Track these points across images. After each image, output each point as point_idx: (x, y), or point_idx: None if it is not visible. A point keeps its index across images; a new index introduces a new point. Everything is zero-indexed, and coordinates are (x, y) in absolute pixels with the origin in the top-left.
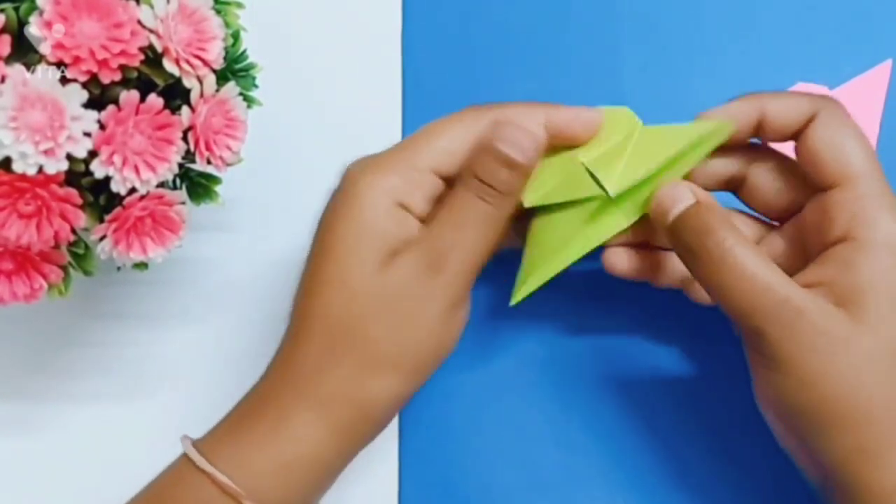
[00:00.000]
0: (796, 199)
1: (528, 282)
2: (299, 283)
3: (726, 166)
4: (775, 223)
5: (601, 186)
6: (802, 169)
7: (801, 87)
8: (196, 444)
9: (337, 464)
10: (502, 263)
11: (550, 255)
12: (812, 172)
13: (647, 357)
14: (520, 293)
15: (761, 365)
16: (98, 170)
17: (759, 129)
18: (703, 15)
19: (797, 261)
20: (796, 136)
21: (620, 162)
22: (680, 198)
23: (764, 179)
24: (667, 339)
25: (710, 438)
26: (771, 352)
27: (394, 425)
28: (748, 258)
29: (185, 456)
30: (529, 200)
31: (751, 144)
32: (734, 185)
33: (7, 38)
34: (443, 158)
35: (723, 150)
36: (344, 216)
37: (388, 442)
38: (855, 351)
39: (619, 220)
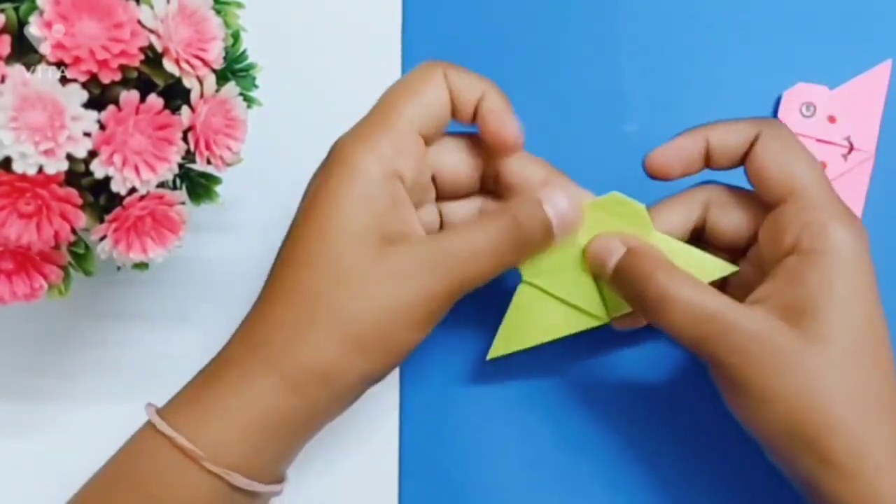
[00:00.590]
0: (757, 227)
1: (505, 345)
2: (279, 253)
3: (685, 223)
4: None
5: (603, 296)
6: (755, 190)
7: (801, 87)
8: (159, 410)
9: (301, 430)
10: None
11: (530, 328)
12: (761, 191)
13: (647, 359)
14: (495, 351)
15: (725, 389)
16: (98, 170)
17: (707, 159)
18: (704, 15)
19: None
20: (744, 160)
21: None
22: (612, 250)
23: (721, 219)
24: (666, 341)
25: (709, 440)
26: (730, 376)
27: (394, 425)
28: (689, 292)
29: (148, 423)
30: (528, 274)
31: (702, 187)
32: (696, 235)
33: (7, 38)
34: (423, 118)
35: (677, 203)
36: (335, 188)
37: (388, 441)
38: (809, 366)
39: (602, 315)
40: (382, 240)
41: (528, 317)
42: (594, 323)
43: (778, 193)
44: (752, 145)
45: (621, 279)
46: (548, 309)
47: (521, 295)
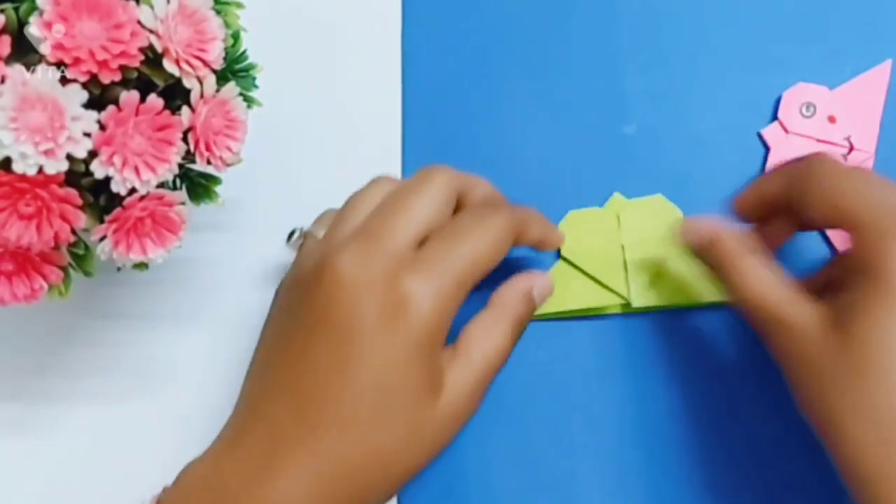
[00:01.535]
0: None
1: None
2: (276, 340)
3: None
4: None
5: (628, 284)
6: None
7: (801, 87)
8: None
9: None
10: (509, 269)
11: (556, 293)
12: (826, 224)
13: (646, 357)
14: None
15: (790, 370)
16: (98, 170)
17: (768, 210)
18: (703, 15)
19: None
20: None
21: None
22: (705, 229)
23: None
24: (666, 340)
25: (709, 439)
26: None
27: None
28: (760, 283)
29: None
30: (565, 250)
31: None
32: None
33: (7, 38)
34: (420, 228)
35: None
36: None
37: None
38: (835, 378)
39: (625, 295)
40: (428, 391)
41: (557, 284)
42: (617, 300)
43: (842, 225)
44: (804, 185)
45: (713, 254)
46: (576, 281)
47: (556, 268)
